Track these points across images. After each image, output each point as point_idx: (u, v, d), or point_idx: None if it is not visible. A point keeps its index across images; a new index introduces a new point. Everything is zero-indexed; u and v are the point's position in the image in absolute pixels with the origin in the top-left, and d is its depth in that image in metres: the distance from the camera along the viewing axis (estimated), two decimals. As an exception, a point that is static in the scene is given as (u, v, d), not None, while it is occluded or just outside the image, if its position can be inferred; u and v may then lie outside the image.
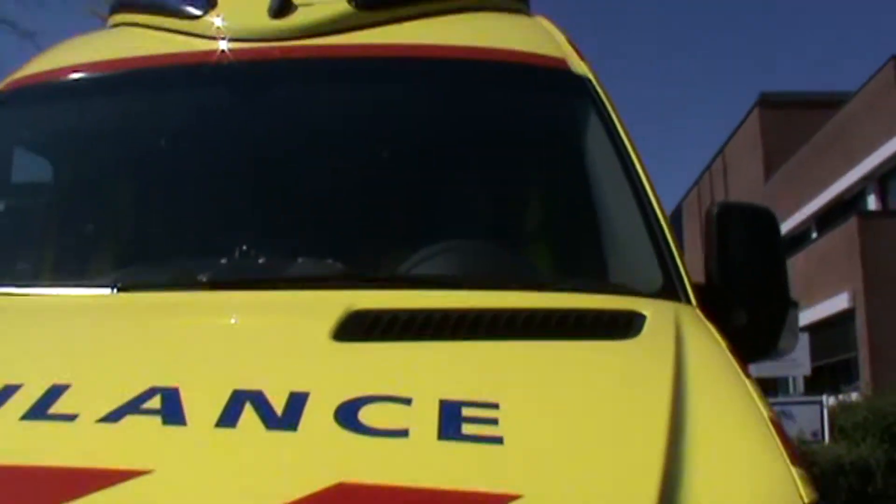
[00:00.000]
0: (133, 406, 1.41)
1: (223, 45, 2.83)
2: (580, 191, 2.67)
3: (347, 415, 1.38)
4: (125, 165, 3.00)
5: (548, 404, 1.52)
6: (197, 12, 2.95)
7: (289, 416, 1.38)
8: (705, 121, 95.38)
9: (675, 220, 43.09)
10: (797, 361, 15.18)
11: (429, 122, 2.92)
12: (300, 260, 2.30)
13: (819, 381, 22.54)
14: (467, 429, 1.38)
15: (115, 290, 2.14)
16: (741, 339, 2.05)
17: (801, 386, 17.75)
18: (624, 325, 1.83)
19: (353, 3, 2.90)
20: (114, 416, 1.39)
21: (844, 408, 15.14)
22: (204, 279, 2.12)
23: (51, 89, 2.98)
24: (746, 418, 1.52)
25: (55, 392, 1.46)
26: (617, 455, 1.38)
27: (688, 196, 42.69)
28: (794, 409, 13.76)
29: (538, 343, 1.75)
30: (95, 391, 1.50)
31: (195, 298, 2.06)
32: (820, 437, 13.34)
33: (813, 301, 25.61)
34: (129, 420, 1.38)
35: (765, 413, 1.55)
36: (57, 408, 1.42)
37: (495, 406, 1.43)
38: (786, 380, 21.20)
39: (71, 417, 1.40)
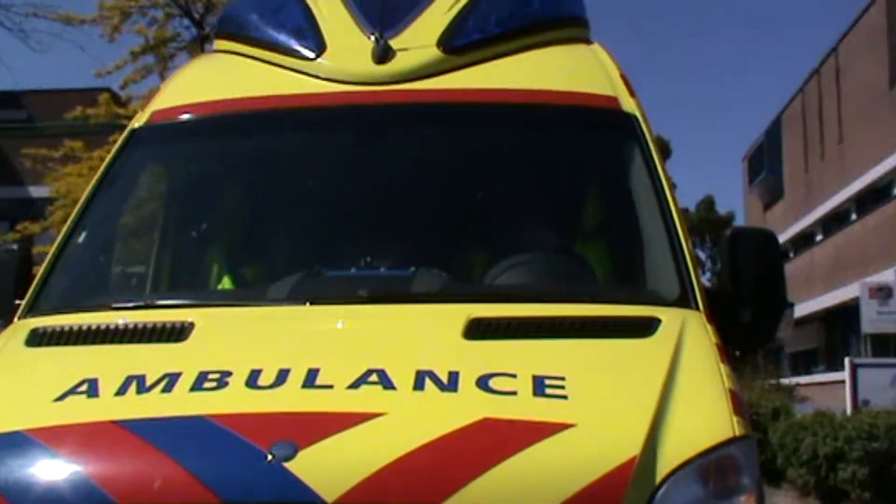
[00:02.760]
0: (363, 380, 2.54)
1: (337, 87, 3.73)
2: (622, 217, 3.78)
3: (483, 383, 2.55)
4: (278, 197, 3.99)
5: (592, 378, 2.72)
6: (310, 55, 3.84)
7: (451, 384, 2.55)
8: (812, 17, 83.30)
9: (773, 135, 41.65)
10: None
11: (503, 158, 3.93)
12: (427, 278, 3.30)
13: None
14: (548, 391, 2.54)
15: (307, 304, 3.20)
16: (746, 332, 3.32)
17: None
18: (645, 328, 2.93)
19: (442, 49, 3.81)
20: (355, 385, 2.53)
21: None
22: (365, 294, 3.15)
23: (194, 125, 3.90)
24: (710, 387, 2.66)
25: (314, 372, 2.58)
26: (628, 406, 2.55)
27: (789, 107, 40.09)
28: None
29: (589, 341, 2.90)
30: (336, 371, 2.60)
31: (369, 309, 3.14)
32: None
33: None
34: (364, 387, 2.52)
35: (726, 385, 2.68)
36: (319, 380, 2.56)
37: (563, 378, 2.59)
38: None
39: (330, 386, 2.54)
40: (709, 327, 2.98)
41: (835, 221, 34.73)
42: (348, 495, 2.19)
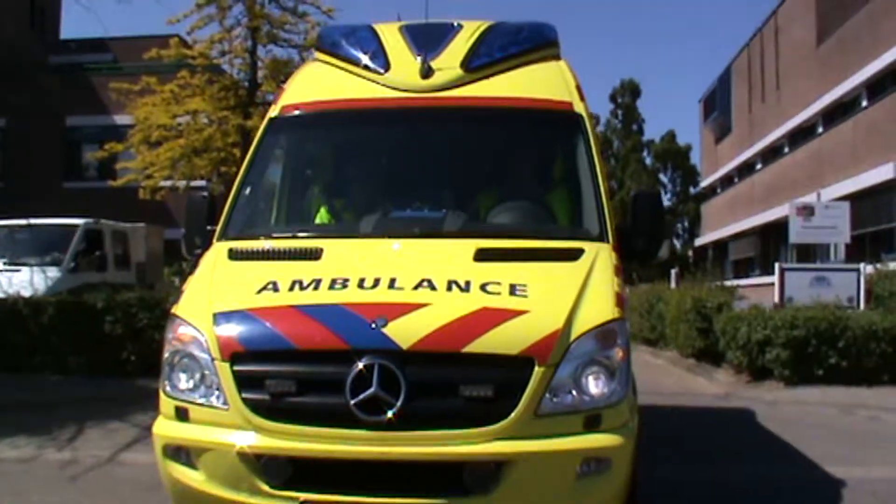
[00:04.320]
0: (420, 285, 3.96)
1: (397, 93, 5.26)
2: (569, 182, 5.16)
3: (484, 287, 3.95)
4: (360, 163, 5.68)
5: (542, 285, 4.04)
6: (381, 70, 5.39)
7: (467, 288, 3.95)
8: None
9: (724, 82, 41.76)
10: (837, 229, 14.77)
11: (498, 141, 5.50)
12: (452, 218, 4.78)
13: (860, 250, 21.92)
14: (518, 292, 3.94)
15: (385, 238, 4.65)
16: (640, 253, 4.77)
17: (842, 253, 16.62)
18: (575, 255, 4.35)
19: (464, 69, 5.34)
20: (416, 287, 3.94)
21: (882, 276, 14.86)
22: (417, 231, 4.65)
23: (310, 116, 5.44)
24: (605, 291, 4.08)
25: (394, 280, 4.00)
26: (559, 301, 3.91)
27: (737, 58, 41.18)
28: (832, 276, 13.68)
29: (543, 263, 4.29)
30: (405, 279, 3.98)
31: (421, 241, 4.57)
32: (855, 303, 13.25)
33: (858, 170, 24.90)
34: (421, 289, 3.93)
35: (615, 290, 4.11)
36: (397, 285, 3.97)
37: (526, 285, 3.99)
38: (827, 247, 20.71)
39: (402, 288, 3.95)
40: (613, 254, 4.45)
41: (771, 154, 35.92)
42: (414, 345, 3.63)
